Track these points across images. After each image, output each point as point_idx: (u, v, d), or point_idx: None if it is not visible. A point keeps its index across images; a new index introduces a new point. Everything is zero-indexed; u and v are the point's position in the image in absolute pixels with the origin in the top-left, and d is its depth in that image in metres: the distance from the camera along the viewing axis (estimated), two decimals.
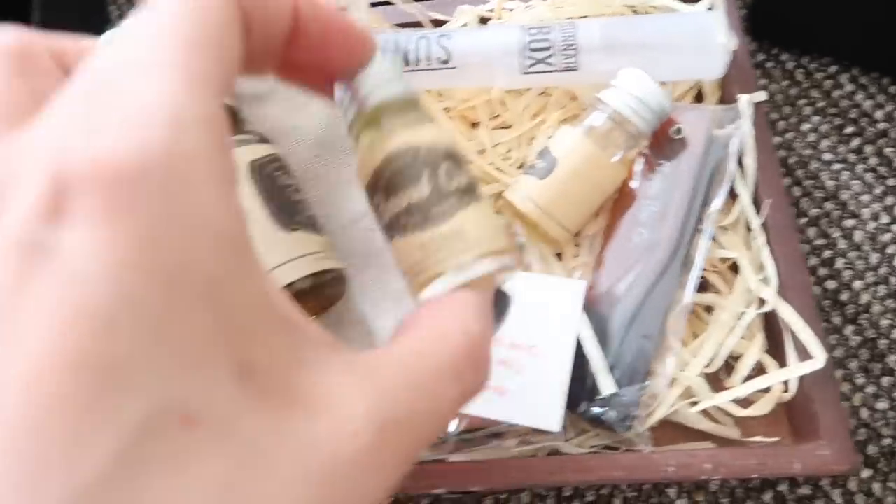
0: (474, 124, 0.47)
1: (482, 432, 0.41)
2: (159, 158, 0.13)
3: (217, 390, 0.13)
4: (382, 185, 0.20)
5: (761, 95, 0.43)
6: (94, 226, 0.12)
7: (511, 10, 0.46)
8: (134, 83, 0.14)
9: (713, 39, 0.41)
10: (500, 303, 0.20)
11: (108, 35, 0.18)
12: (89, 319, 0.12)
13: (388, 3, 0.46)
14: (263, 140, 0.40)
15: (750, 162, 0.41)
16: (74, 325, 0.11)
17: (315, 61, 0.19)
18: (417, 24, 0.47)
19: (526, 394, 0.39)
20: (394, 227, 0.20)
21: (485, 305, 0.19)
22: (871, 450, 0.41)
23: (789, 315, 0.38)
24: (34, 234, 0.12)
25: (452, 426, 0.40)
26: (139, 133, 0.13)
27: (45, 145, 0.13)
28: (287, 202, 0.39)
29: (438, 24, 0.47)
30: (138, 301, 0.12)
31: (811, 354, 0.38)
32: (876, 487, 0.40)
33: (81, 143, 0.13)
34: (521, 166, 0.46)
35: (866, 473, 0.40)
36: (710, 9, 0.44)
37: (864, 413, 0.41)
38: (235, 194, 0.14)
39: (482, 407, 0.39)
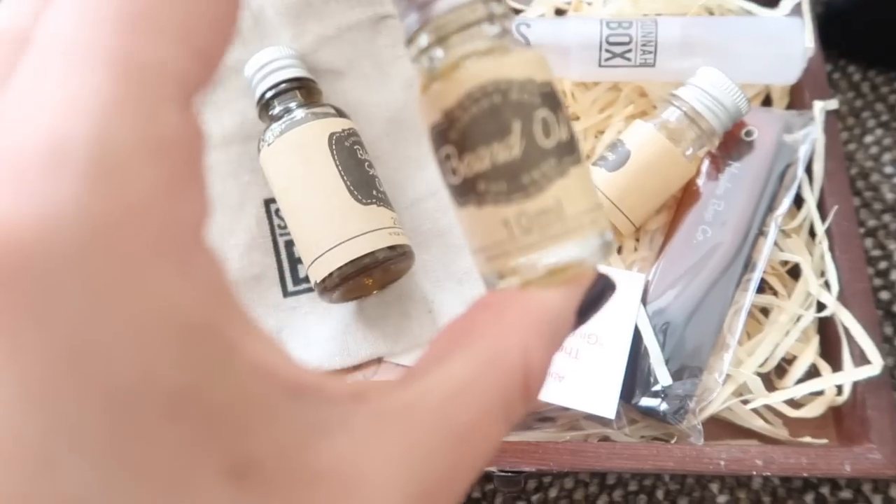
0: None
1: (534, 414, 0.42)
2: (77, 223, 0.09)
3: (207, 501, 0.10)
4: (456, 133, 0.15)
5: (834, 103, 0.43)
6: None
7: (590, 3, 0.46)
8: (42, 87, 0.09)
9: (791, 45, 0.41)
10: (599, 291, 0.16)
11: None
12: (17, 462, 0.09)
13: None
14: (341, 114, 0.41)
15: (819, 168, 0.42)
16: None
17: None
18: None
19: (583, 380, 0.40)
20: (468, 192, 0.15)
21: (564, 311, 0.15)
22: None
23: (849, 320, 0.39)
24: None
25: None
26: (42, 185, 0.09)
27: None
28: (364, 176, 0.39)
29: (514, 11, 0.48)
30: (78, 434, 0.09)
31: (868, 360, 0.38)
32: None
33: None
34: (586, 158, 0.46)
35: None
36: (787, 15, 0.45)
37: None
38: (201, 253, 0.11)
39: None
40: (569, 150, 0.16)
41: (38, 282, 0.09)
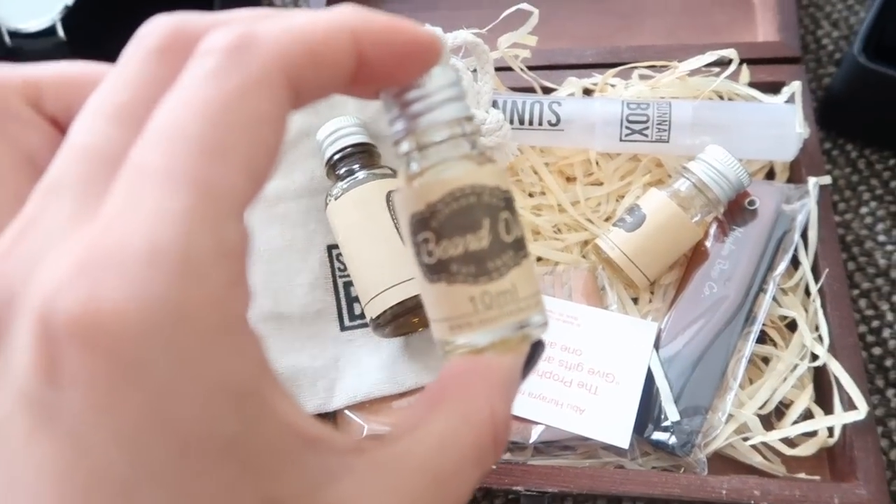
0: (569, 179, 0.54)
1: (557, 443, 0.47)
2: (166, 311, 0.12)
3: None
4: (436, 223, 0.18)
5: (826, 179, 0.49)
6: (94, 391, 0.11)
7: (613, 85, 0.53)
8: (139, 202, 0.12)
9: (789, 128, 0.48)
10: (534, 353, 0.20)
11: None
12: (102, 488, 0.11)
13: (509, 70, 0.54)
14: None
15: (812, 235, 0.48)
16: (87, 495, 0.11)
17: (380, 77, 0.17)
18: (530, 89, 0.55)
19: (600, 414, 0.45)
20: (441, 271, 0.18)
21: (515, 373, 0.19)
22: None
23: (838, 370, 0.44)
24: (36, 392, 0.12)
25: (534, 435, 0.46)
26: (141, 279, 0.11)
27: (34, 281, 0.12)
28: None
29: (547, 90, 0.55)
30: (154, 467, 0.12)
31: (855, 406, 0.43)
32: None
33: (73, 291, 0.11)
34: (608, 219, 0.53)
35: None
36: (787, 101, 0.51)
37: None
38: (249, 334, 0.13)
39: (562, 421, 0.46)
40: (521, 246, 0.19)
41: (135, 351, 0.11)
